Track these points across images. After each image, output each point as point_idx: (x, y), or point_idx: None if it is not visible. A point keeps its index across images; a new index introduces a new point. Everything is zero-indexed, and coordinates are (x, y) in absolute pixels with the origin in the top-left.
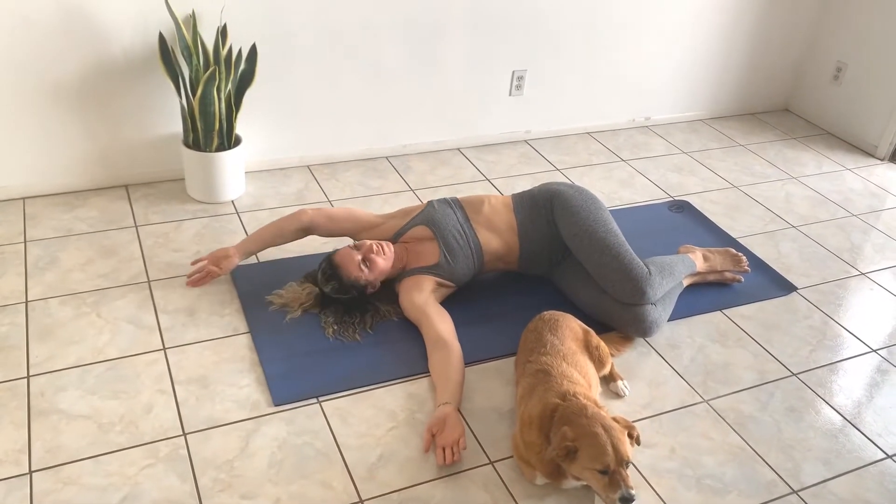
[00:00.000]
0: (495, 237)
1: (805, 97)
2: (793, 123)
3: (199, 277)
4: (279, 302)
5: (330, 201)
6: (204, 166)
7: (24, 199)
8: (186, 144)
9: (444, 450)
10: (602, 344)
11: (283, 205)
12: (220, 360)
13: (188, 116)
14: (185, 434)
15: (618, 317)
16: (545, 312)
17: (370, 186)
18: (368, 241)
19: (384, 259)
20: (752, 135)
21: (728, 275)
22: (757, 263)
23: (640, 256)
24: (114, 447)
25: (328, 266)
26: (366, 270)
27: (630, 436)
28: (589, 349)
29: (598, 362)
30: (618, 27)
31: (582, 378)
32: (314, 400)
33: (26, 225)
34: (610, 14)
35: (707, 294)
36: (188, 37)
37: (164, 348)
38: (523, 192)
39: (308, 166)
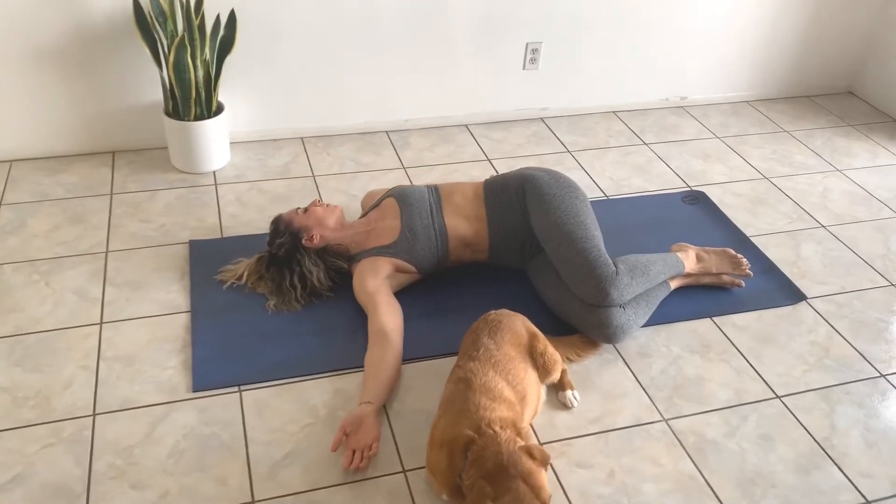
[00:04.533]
0: (463, 223)
1: (871, 78)
2: (853, 108)
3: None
4: (229, 277)
5: (315, 176)
6: (183, 135)
7: (11, 161)
8: (167, 113)
9: (353, 452)
10: (549, 351)
11: (265, 177)
12: (153, 339)
13: (167, 84)
14: (94, 415)
15: (581, 318)
16: (492, 312)
17: (361, 162)
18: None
19: (323, 209)
20: (802, 120)
21: (726, 278)
22: (766, 266)
23: (628, 251)
24: (20, 423)
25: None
26: (301, 213)
27: (544, 465)
28: (532, 355)
29: (543, 370)
30: None
31: (509, 391)
32: (235, 388)
33: (6, 188)
34: None
35: (699, 298)
36: (163, 2)
37: (101, 322)
38: (496, 178)
39: (302, 138)
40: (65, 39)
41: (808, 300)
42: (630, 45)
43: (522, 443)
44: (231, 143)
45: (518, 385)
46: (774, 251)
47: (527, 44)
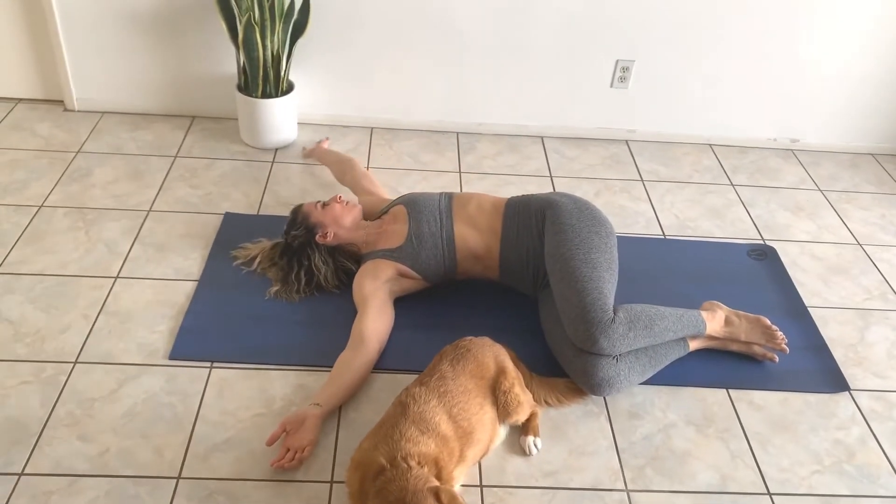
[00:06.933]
0: (474, 234)
1: None
2: None
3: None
4: (244, 255)
5: (368, 167)
6: (250, 111)
7: (103, 113)
8: (238, 87)
9: (286, 452)
10: (515, 391)
11: (321, 163)
12: (155, 301)
13: (239, 59)
14: (75, 362)
15: (568, 362)
16: (468, 338)
17: (419, 160)
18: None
19: (342, 208)
20: None
21: (757, 349)
22: (815, 344)
23: (660, 296)
24: (11, 356)
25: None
26: (320, 208)
27: None
28: (495, 392)
29: (502, 409)
30: (768, 21)
31: (448, 425)
32: (208, 364)
33: (90, 137)
34: (757, 4)
35: (722, 364)
36: None
37: (117, 277)
38: (522, 197)
39: (371, 128)
40: (159, 5)
41: (851, 391)
42: (738, 75)
43: (435, 483)
44: (301, 123)
45: (464, 420)
46: (834, 329)
47: (617, 61)
